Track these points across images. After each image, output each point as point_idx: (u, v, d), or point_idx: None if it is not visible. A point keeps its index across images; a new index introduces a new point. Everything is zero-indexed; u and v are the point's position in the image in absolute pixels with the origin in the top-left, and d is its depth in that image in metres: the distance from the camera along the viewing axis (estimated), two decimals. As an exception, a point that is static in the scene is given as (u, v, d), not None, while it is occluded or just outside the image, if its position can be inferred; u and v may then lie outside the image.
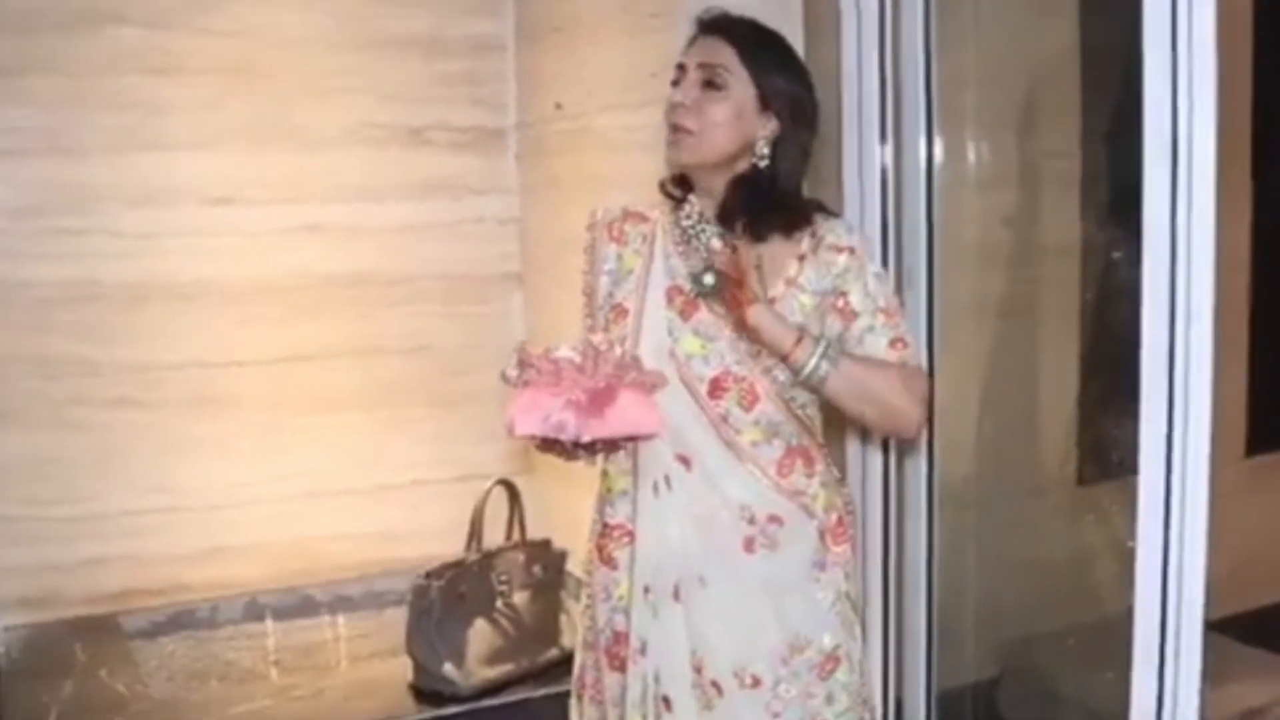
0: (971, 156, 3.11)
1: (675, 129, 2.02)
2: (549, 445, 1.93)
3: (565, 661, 2.47)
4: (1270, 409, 4.08)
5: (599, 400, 1.87)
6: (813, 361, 1.95)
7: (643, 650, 2.07)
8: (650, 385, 1.92)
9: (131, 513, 3.26)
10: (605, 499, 2.14)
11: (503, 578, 2.85)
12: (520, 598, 2.88)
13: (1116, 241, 2.85)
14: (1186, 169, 2.01)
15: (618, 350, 1.92)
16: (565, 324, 2.24)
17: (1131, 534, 2.14)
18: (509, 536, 2.93)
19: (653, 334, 2.05)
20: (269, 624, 3.26)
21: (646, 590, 2.07)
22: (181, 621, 3.23)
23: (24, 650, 3.09)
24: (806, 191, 2.12)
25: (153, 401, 3.27)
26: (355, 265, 3.42)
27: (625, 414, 1.88)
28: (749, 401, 2.01)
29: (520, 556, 2.90)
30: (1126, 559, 2.17)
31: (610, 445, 1.97)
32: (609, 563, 2.12)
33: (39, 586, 3.19)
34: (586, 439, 1.87)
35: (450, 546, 2.94)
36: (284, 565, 3.38)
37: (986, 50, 3.12)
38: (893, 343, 2.04)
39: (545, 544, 2.96)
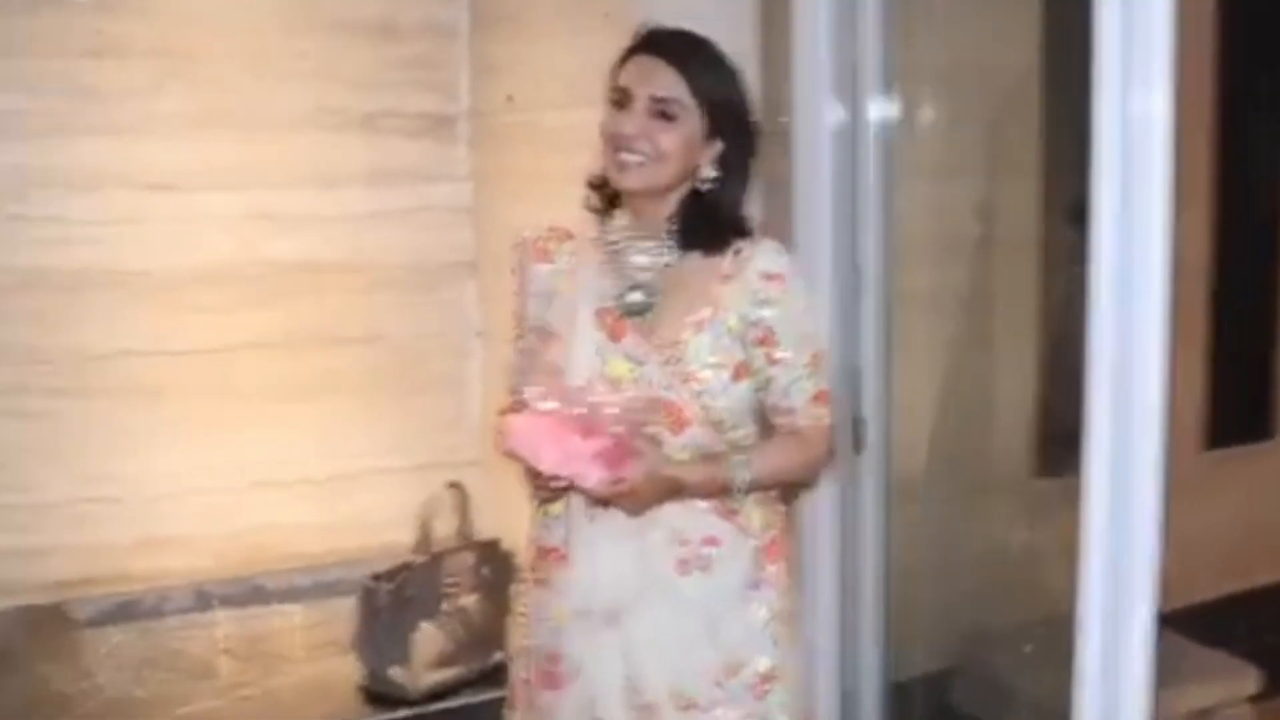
0: (930, 146, 3.10)
1: (622, 153, 1.98)
2: (535, 474, 1.92)
3: (513, 664, 2.48)
4: (1231, 403, 4.14)
5: (620, 456, 1.86)
6: (737, 479, 1.99)
7: (577, 673, 2.07)
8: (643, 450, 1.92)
9: (75, 501, 3.22)
10: (540, 521, 2.13)
11: (451, 580, 2.85)
12: (469, 600, 2.88)
13: (1073, 236, 2.88)
14: (1139, 162, 1.99)
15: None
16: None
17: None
18: (459, 537, 2.92)
19: (583, 358, 2.03)
20: (217, 613, 3.25)
21: (580, 614, 2.07)
22: (128, 611, 3.21)
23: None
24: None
25: (97, 390, 3.22)
26: (304, 253, 3.36)
27: (629, 474, 1.88)
28: (678, 426, 2.00)
29: (469, 558, 2.89)
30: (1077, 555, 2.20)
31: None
32: (543, 584, 2.12)
33: (-15, 575, 3.16)
34: (598, 491, 1.88)
35: (399, 536, 2.93)
36: (230, 555, 3.35)
37: (949, 37, 3.11)
38: (815, 397, 2.07)
39: (494, 544, 2.96)
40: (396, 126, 3.41)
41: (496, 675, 2.76)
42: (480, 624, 2.86)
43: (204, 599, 3.28)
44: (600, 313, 2.04)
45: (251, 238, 3.32)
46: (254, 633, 3.13)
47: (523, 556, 2.28)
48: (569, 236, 2.12)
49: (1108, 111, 2.01)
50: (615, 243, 2.08)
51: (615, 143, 1.98)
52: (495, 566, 2.92)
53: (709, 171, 2.02)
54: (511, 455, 1.92)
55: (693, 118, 1.98)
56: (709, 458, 2.01)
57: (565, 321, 2.06)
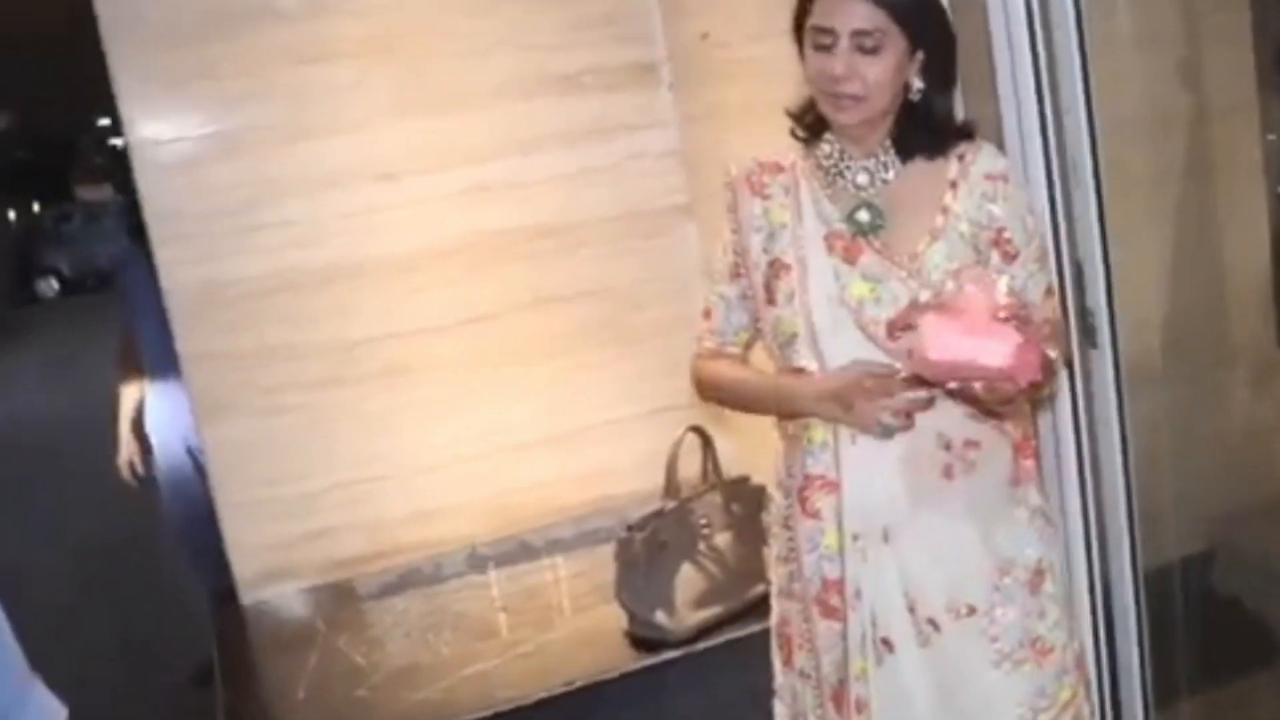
0: (1125, 16, 2.96)
1: (835, 94, 1.99)
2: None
3: (771, 597, 2.50)
4: None
5: (1037, 346, 1.83)
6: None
7: (856, 597, 2.10)
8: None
9: (346, 484, 3.43)
10: (803, 450, 2.14)
11: (703, 521, 2.89)
12: (722, 539, 2.91)
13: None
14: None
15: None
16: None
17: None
18: (704, 479, 2.97)
19: (821, 284, 2.06)
20: (491, 573, 3.41)
21: (855, 537, 2.10)
22: (410, 580, 3.40)
23: (271, 622, 3.31)
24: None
25: (351, 377, 3.40)
26: (524, 219, 3.46)
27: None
28: None
29: (718, 498, 2.93)
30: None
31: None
32: (813, 515, 2.14)
33: (275, 561, 3.39)
34: (1021, 383, 1.83)
35: (649, 480, 2.98)
36: (496, 517, 3.51)
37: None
38: (1047, 292, 2.10)
39: (742, 481, 2.98)
40: (597, 82, 3.47)
41: (757, 609, 2.80)
42: (735, 562, 2.90)
43: (477, 561, 3.44)
44: (829, 237, 2.07)
45: (472, 212, 3.43)
46: (526, 588, 3.26)
47: (771, 491, 2.30)
48: (779, 168, 2.14)
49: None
50: (832, 166, 2.09)
51: (827, 85, 2.00)
52: (744, 502, 2.94)
53: (917, 82, 2.02)
54: (931, 366, 1.85)
55: (896, 41, 1.97)
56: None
57: (794, 251, 2.09)
